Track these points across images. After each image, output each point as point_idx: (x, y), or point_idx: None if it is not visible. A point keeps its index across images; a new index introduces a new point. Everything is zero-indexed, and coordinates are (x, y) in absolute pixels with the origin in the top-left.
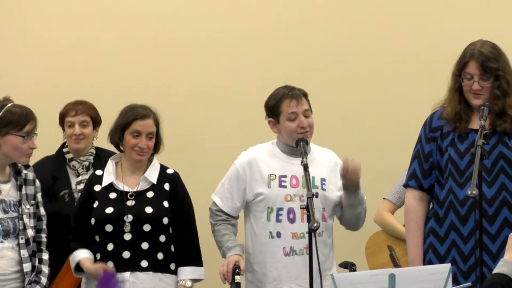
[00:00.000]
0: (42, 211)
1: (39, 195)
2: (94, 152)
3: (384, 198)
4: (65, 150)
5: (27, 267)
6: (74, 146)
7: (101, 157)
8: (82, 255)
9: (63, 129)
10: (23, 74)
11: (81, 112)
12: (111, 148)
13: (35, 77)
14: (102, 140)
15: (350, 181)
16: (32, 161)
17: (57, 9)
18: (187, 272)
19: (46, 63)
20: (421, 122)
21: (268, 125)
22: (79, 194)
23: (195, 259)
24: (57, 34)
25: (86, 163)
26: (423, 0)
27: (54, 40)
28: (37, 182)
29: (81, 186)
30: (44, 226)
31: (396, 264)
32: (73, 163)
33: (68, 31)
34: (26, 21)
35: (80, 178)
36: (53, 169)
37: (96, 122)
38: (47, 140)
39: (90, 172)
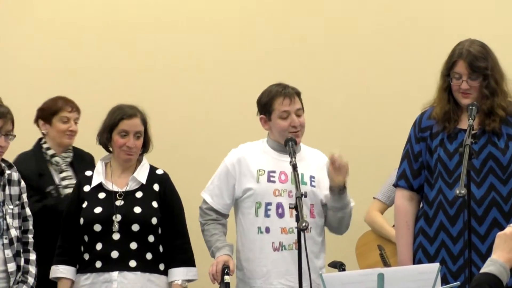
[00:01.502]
0: (27, 211)
1: (24, 196)
2: (72, 149)
3: (374, 198)
4: (45, 146)
5: (11, 267)
6: (66, 141)
7: (77, 154)
8: (63, 275)
9: (48, 124)
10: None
11: (76, 110)
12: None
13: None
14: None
15: (336, 181)
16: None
17: (48, 9)
18: (180, 273)
19: (33, 62)
20: (411, 122)
21: (258, 123)
22: (65, 189)
23: (188, 260)
24: (49, 33)
25: (69, 159)
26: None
27: (45, 38)
28: (22, 183)
29: (66, 182)
30: (31, 227)
31: (386, 264)
32: (56, 159)
33: (60, 30)
34: (15, 21)
35: (64, 174)
36: (36, 166)
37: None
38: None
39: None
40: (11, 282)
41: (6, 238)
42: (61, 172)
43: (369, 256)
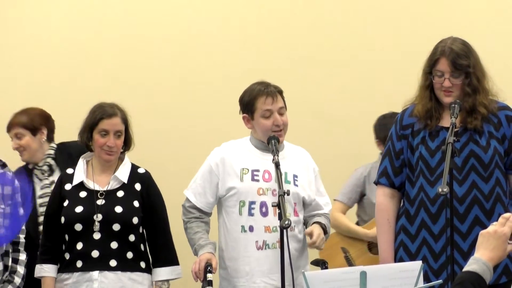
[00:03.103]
0: (20, 211)
1: (17, 195)
2: (52, 152)
3: (334, 200)
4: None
5: None
6: (21, 159)
7: (63, 153)
8: (47, 274)
9: None
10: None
11: (14, 125)
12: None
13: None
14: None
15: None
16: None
17: (39, 9)
18: (165, 273)
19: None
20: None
21: (242, 122)
22: (40, 208)
23: (172, 259)
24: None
25: (46, 168)
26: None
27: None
28: (16, 183)
29: (42, 191)
30: (23, 227)
31: (351, 266)
32: (35, 171)
33: (53, 32)
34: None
35: (43, 182)
36: (28, 179)
37: (32, 129)
38: None
39: (55, 174)
40: None
41: None
42: (40, 181)
43: (335, 259)
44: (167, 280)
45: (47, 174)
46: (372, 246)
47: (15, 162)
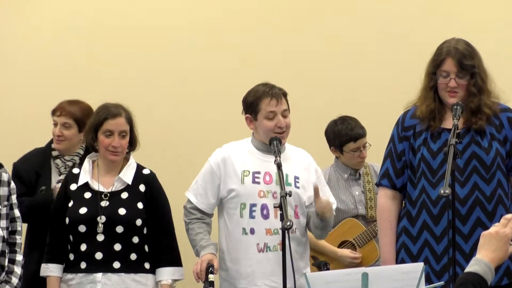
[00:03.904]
0: (16, 213)
1: (13, 197)
2: (82, 152)
3: None
4: (52, 145)
5: None
6: (55, 146)
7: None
8: (53, 273)
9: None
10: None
11: (66, 114)
12: None
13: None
14: None
15: (322, 212)
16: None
17: (41, 9)
18: (168, 273)
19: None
20: (394, 122)
21: (243, 124)
22: (56, 191)
23: (175, 260)
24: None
25: (70, 163)
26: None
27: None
28: (12, 184)
29: (60, 184)
30: (19, 228)
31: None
32: (57, 161)
33: (53, 30)
34: (9, 20)
35: (61, 177)
36: (38, 164)
37: (82, 124)
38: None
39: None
40: None
41: None
42: (60, 174)
43: None
44: (174, 280)
45: (68, 169)
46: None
47: (13, 158)
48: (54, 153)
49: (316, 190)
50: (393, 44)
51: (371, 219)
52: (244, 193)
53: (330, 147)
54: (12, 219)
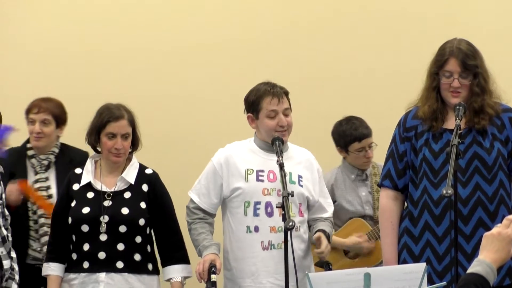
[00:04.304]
0: (6, 211)
1: (4, 195)
2: (57, 150)
3: None
4: (28, 145)
5: (6, 264)
6: (33, 143)
7: (65, 155)
8: (53, 272)
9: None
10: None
11: (44, 110)
12: (81, 146)
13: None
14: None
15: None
16: None
17: (41, 6)
18: (177, 271)
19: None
20: (396, 122)
21: (245, 123)
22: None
23: (183, 257)
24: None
25: (46, 162)
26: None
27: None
28: (1, 182)
29: (38, 184)
30: (9, 226)
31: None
32: (33, 160)
33: (56, 32)
34: (7, 17)
35: (37, 176)
36: (13, 163)
37: (60, 121)
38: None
39: (50, 171)
40: (4, 278)
41: None
42: (36, 174)
43: None
44: (184, 278)
45: (44, 168)
46: (347, 250)
47: None
48: (30, 153)
49: (317, 240)
50: (397, 44)
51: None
52: (249, 191)
53: (336, 147)
54: (6, 217)
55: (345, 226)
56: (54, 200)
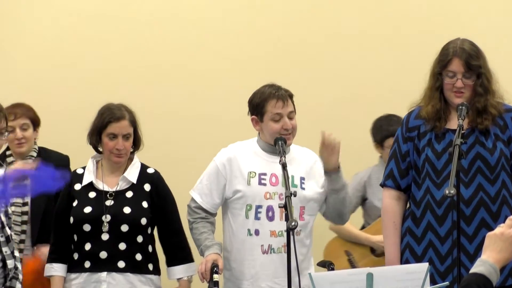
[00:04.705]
0: (10, 209)
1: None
2: (35, 154)
3: None
4: (7, 153)
5: (10, 263)
6: (17, 150)
7: (44, 158)
8: (57, 272)
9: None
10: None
11: (20, 116)
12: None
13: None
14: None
15: (330, 162)
16: None
17: (41, 6)
18: (181, 271)
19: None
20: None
21: (249, 123)
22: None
23: (187, 256)
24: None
25: None
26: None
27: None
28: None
29: None
30: (12, 224)
31: (354, 268)
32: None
33: (54, 26)
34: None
35: None
36: None
37: (35, 123)
38: None
39: None
40: (8, 278)
41: (2, 236)
42: None
43: (337, 263)
44: (188, 276)
45: None
46: (374, 249)
47: None
48: (10, 160)
49: (323, 137)
50: (401, 44)
51: None
52: (251, 195)
53: (373, 143)
54: (8, 216)
55: (374, 224)
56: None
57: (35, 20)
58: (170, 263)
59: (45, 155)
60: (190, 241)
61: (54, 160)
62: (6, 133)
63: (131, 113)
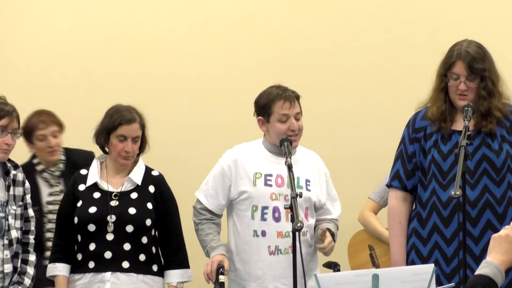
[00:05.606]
0: (30, 212)
1: (27, 197)
2: (63, 158)
3: (368, 197)
4: (35, 161)
5: (8, 268)
6: (50, 158)
7: (71, 160)
8: (60, 272)
9: (31, 143)
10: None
11: (51, 122)
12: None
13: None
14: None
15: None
16: None
17: (46, 10)
18: (176, 275)
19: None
20: (405, 123)
21: (253, 124)
22: (48, 206)
23: (183, 262)
24: (49, 32)
25: (58, 173)
26: (419, 2)
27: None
28: (27, 183)
29: (51, 198)
30: (33, 228)
31: (375, 264)
32: (45, 175)
33: (58, 30)
34: (13, 20)
35: (52, 189)
36: None
37: (62, 128)
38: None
39: (62, 181)
40: (5, 283)
41: (6, 239)
42: (50, 186)
43: (360, 256)
44: (178, 282)
45: (57, 180)
46: None
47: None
48: (39, 168)
49: (322, 235)
50: (409, 46)
51: None
52: (256, 195)
53: None
54: (26, 219)
55: None
56: None
57: (35, 21)
58: (166, 266)
59: (71, 155)
60: (190, 245)
61: (81, 158)
62: (18, 134)
63: (141, 116)
